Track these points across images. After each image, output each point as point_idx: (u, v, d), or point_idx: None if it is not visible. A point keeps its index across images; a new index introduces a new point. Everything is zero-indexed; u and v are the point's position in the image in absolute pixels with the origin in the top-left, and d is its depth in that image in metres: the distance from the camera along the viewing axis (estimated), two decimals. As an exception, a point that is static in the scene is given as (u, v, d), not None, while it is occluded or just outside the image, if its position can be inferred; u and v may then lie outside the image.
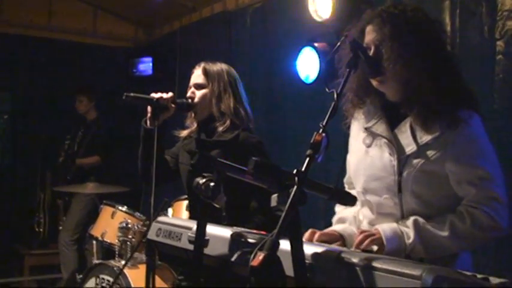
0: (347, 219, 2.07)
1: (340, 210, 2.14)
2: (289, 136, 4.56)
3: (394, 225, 1.83)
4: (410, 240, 1.78)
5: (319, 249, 1.47)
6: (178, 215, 3.86)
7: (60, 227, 5.72)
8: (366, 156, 1.95)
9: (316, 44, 3.67)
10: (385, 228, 1.81)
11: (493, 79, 3.15)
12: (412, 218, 1.81)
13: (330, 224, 2.14)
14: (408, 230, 1.79)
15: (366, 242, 1.76)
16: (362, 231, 1.83)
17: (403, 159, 1.85)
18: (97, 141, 5.67)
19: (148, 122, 2.69)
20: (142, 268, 3.75)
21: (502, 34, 3.11)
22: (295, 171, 1.43)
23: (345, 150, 2.10)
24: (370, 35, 1.89)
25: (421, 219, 1.81)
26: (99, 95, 6.00)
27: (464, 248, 1.86)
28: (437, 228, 1.79)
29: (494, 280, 1.44)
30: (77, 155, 5.71)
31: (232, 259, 1.62)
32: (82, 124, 5.83)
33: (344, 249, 1.67)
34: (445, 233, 1.77)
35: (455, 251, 1.84)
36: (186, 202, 3.83)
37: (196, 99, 2.74)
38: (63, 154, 5.82)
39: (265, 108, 4.63)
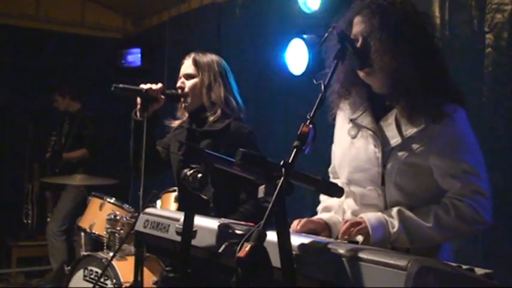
0: (333, 207, 2.08)
1: (325, 198, 2.14)
2: (277, 128, 4.56)
3: (379, 214, 1.84)
4: (395, 229, 1.78)
5: (306, 240, 1.48)
6: (167, 207, 3.86)
7: (48, 218, 5.70)
8: (350, 147, 1.95)
9: (305, 36, 3.66)
10: (370, 217, 1.82)
11: (482, 72, 3.16)
12: (396, 208, 1.83)
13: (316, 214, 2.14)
14: (393, 220, 1.80)
15: (353, 232, 1.77)
16: (347, 221, 1.84)
17: (387, 152, 1.86)
18: (84, 133, 5.61)
19: (138, 114, 2.67)
20: (131, 260, 3.74)
21: (492, 27, 3.12)
22: (282, 162, 1.43)
23: (331, 141, 2.11)
24: (358, 26, 1.89)
25: (405, 209, 1.82)
26: (86, 86, 5.96)
27: (448, 239, 1.88)
28: (422, 218, 1.80)
29: (479, 271, 1.46)
30: (65, 148, 5.66)
31: (220, 250, 1.62)
32: (66, 116, 5.76)
33: (331, 240, 1.68)
34: (429, 224, 1.79)
35: (439, 241, 1.86)
36: (174, 194, 3.82)
37: (186, 89, 2.73)
38: (50, 150, 5.76)
39: (253, 100, 4.61)
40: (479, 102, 3.04)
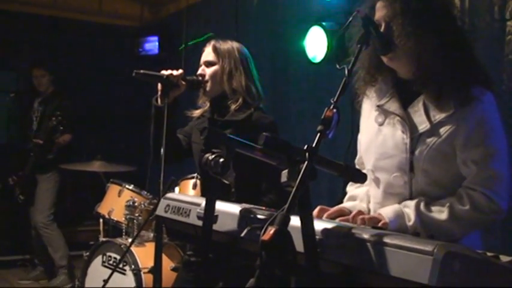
0: (358, 196, 2.07)
1: (351, 189, 2.13)
2: (295, 116, 4.56)
3: (396, 206, 1.82)
4: (411, 223, 1.77)
5: (329, 225, 1.47)
6: (185, 194, 3.88)
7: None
8: (378, 134, 1.93)
9: (324, 23, 3.64)
10: (388, 210, 1.81)
11: (502, 60, 3.13)
12: (414, 200, 1.81)
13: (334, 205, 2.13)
14: (409, 211, 1.79)
15: (367, 222, 1.75)
16: (359, 211, 1.83)
17: (415, 138, 1.83)
18: (65, 115, 5.21)
19: (158, 100, 2.68)
20: (149, 246, 3.78)
21: (513, 14, 3.08)
22: (305, 146, 1.42)
23: (351, 128, 2.09)
24: (380, 11, 1.86)
25: (423, 203, 1.80)
26: (104, 74, 5.97)
27: (465, 231, 1.84)
28: (437, 211, 1.78)
29: (505, 258, 1.44)
30: (38, 133, 5.33)
31: (242, 235, 1.61)
32: (39, 101, 5.53)
33: (354, 225, 1.67)
34: (444, 217, 1.77)
35: (457, 234, 1.82)
36: (192, 181, 3.84)
37: (206, 77, 2.72)
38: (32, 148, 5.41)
39: (272, 88, 4.60)
40: (499, 90, 3.01)
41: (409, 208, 1.80)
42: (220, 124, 2.68)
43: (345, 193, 2.17)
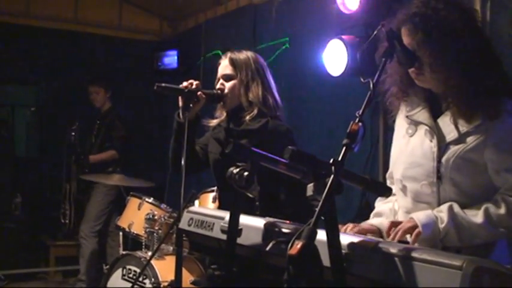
0: (383, 213, 2.07)
1: (378, 205, 2.13)
2: (313, 130, 4.55)
3: (428, 211, 1.82)
4: (444, 225, 1.76)
5: (355, 239, 1.47)
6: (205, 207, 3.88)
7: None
8: (407, 145, 1.95)
9: (344, 37, 3.64)
10: (420, 214, 1.81)
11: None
12: (447, 204, 1.81)
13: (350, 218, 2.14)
14: (442, 215, 1.79)
15: (400, 233, 1.74)
16: (392, 222, 1.82)
17: (443, 147, 1.85)
18: (114, 133, 5.59)
19: (181, 115, 2.69)
20: (169, 259, 3.78)
21: (534, 27, 3.06)
22: (331, 160, 1.43)
23: (370, 141, 2.10)
24: (405, 38, 1.87)
25: (456, 205, 1.80)
26: (123, 88, 6.02)
27: (499, 236, 1.84)
28: (472, 214, 1.78)
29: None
30: (94, 147, 5.65)
31: (267, 249, 1.61)
32: (97, 116, 5.75)
33: (381, 239, 1.66)
34: (479, 220, 1.76)
35: (490, 239, 1.82)
36: (212, 194, 3.84)
37: (226, 91, 2.73)
38: (73, 150, 5.70)
39: (290, 102, 4.60)
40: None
41: (441, 211, 1.80)
42: (236, 134, 2.68)
43: (363, 205, 2.17)
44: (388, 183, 2.13)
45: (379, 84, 1.75)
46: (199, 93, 2.66)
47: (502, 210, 1.77)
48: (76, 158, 5.65)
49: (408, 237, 1.77)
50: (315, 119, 4.56)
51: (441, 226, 1.77)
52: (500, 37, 3.23)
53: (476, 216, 1.77)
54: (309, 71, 4.44)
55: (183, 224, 2.02)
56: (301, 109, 4.67)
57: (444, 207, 1.80)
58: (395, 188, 2.00)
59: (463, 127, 1.83)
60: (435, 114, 1.92)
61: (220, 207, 2.95)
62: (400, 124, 2.04)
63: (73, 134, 5.76)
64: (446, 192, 1.84)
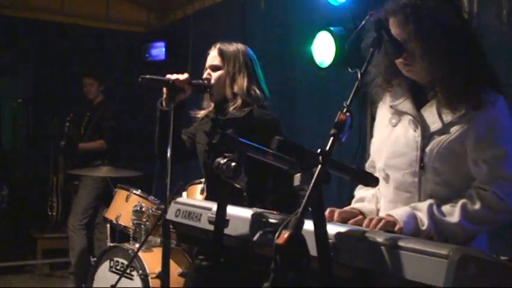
0: (365, 198, 2.08)
1: (359, 192, 2.14)
2: (302, 121, 4.55)
3: (408, 209, 1.82)
4: (424, 227, 1.77)
5: (342, 228, 1.47)
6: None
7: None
8: (390, 134, 1.96)
9: (332, 28, 3.64)
10: (399, 212, 1.81)
11: (510, 64, 3.12)
12: (426, 203, 1.81)
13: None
14: (422, 216, 1.79)
15: (382, 223, 1.75)
16: (378, 218, 1.83)
17: (427, 136, 1.85)
18: (103, 124, 5.59)
19: (164, 103, 2.68)
20: (157, 251, 3.78)
21: (522, 20, 3.08)
22: (319, 150, 1.42)
23: (359, 132, 2.10)
24: (393, 29, 1.87)
25: (435, 205, 1.80)
26: (111, 80, 5.99)
27: (477, 231, 1.85)
28: (449, 213, 1.79)
29: (517, 263, 1.44)
30: (83, 138, 5.64)
31: (254, 239, 1.61)
32: (88, 108, 5.74)
33: (367, 229, 1.66)
34: (456, 219, 1.77)
35: (470, 234, 1.83)
36: (200, 186, 3.84)
37: (212, 81, 2.73)
38: (65, 138, 5.71)
39: (278, 93, 4.60)
40: (507, 94, 3.00)
41: (421, 212, 1.80)
42: (221, 123, 2.67)
43: (352, 196, 2.17)
44: None
45: (367, 74, 1.75)
46: (184, 85, 2.65)
47: (477, 206, 1.78)
48: (66, 145, 5.63)
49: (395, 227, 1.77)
50: (304, 110, 4.56)
51: (422, 228, 1.77)
52: (488, 30, 3.24)
53: (453, 215, 1.78)
54: (298, 63, 4.44)
55: (170, 215, 2.01)
56: (291, 100, 4.67)
57: (424, 207, 1.80)
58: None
59: (447, 117, 1.83)
60: (419, 104, 1.92)
61: (207, 198, 2.94)
62: (383, 114, 2.04)
63: (67, 124, 5.73)
64: (428, 181, 1.85)
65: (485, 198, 1.78)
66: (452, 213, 1.78)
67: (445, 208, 1.80)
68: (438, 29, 1.83)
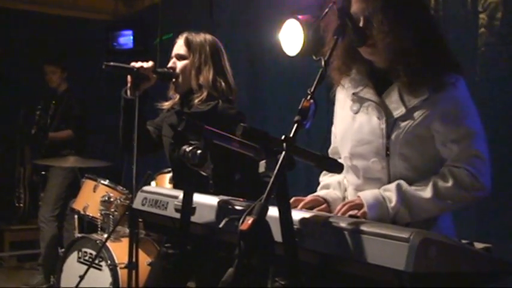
0: (331, 185, 2.08)
1: (324, 179, 2.14)
2: (271, 110, 4.56)
3: (376, 191, 1.83)
4: (393, 204, 1.78)
5: (306, 214, 1.48)
6: (161, 188, 3.86)
7: (40, 203, 5.64)
8: (353, 122, 1.95)
9: (299, 16, 3.65)
10: (367, 194, 1.82)
11: (475, 52, 3.17)
12: (395, 182, 1.82)
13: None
14: (390, 194, 1.79)
15: (346, 207, 1.77)
16: (345, 202, 1.84)
17: (391, 123, 1.85)
18: (70, 113, 5.47)
19: (128, 92, 2.66)
20: (125, 241, 3.75)
21: (485, 7, 3.12)
22: (283, 137, 1.43)
23: (327, 119, 2.09)
24: (358, 4, 1.86)
25: (404, 183, 1.81)
26: (78, 68, 5.91)
27: (448, 209, 1.87)
28: (420, 190, 1.80)
29: (479, 245, 1.47)
30: (50, 128, 5.52)
31: (220, 226, 1.61)
32: (53, 96, 5.60)
33: (332, 214, 1.68)
34: (428, 195, 1.78)
35: (439, 212, 1.85)
36: (169, 175, 3.82)
37: (177, 70, 2.71)
38: (35, 126, 5.60)
39: (247, 82, 4.61)
40: (472, 82, 3.05)
41: (390, 191, 1.80)
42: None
43: (319, 183, 2.18)
44: None
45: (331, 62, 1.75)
46: (149, 73, 2.63)
47: (450, 183, 1.79)
48: (36, 133, 5.52)
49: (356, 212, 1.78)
50: (273, 98, 4.56)
51: (390, 206, 1.78)
52: (452, 16, 3.29)
53: (425, 191, 1.79)
54: (267, 51, 4.43)
55: (136, 204, 2.00)
56: (259, 89, 4.67)
57: (392, 186, 1.81)
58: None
59: (410, 102, 1.84)
60: (379, 90, 1.92)
61: (174, 188, 2.94)
62: (342, 100, 2.03)
63: (38, 113, 5.62)
64: (396, 167, 1.86)
65: (458, 175, 1.79)
66: (425, 189, 1.79)
67: (417, 185, 1.81)
68: (401, 7, 1.83)
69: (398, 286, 1.23)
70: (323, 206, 1.94)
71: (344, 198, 2.04)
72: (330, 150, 2.17)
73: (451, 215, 1.98)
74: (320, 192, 2.06)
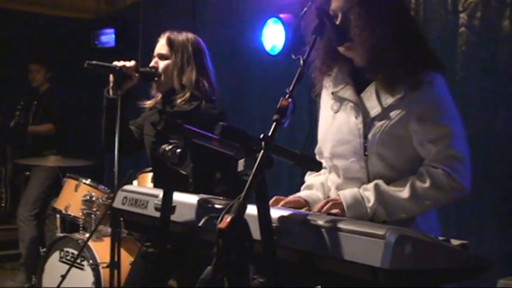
0: (314, 185, 2.09)
1: (309, 178, 2.15)
2: (253, 109, 4.57)
3: (355, 190, 1.84)
4: (371, 204, 1.79)
5: (285, 212, 1.49)
6: (144, 187, 3.85)
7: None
8: (333, 122, 1.96)
9: (281, 15, 3.66)
10: (346, 194, 1.83)
11: (455, 51, 3.20)
12: (373, 182, 1.83)
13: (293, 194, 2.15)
14: (369, 194, 1.81)
15: (327, 206, 1.78)
16: (326, 200, 1.85)
17: (368, 122, 1.86)
18: (50, 110, 5.41)
19: (110, 91, 2.64)
20: (107, 241, 3.73)
21: (465, 7, 3.15)
22: (262, 135, 1.44)
23: (310, 117, 2.12)
24: (337, 1, 1.88)
25: (382, 183, 1.82)
26: (60, 68, 5.86)
27: (425, 209, 1.87)
28: (398, 190, 1.80)
29: (455, 242, 1.49)
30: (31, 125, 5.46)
31: (199, 224, 1.62)
32: (35, 96, 5.55)
33: (310, 212, 1.69)
34: (406, 195, 1.79)
35: (417, 212, 1.85)
36: (151, 174, 3.81)
37: (159, 70, 2.70)
38: (14, 121, 5.54)
39: (229, 80, 4.61)
40: (452, 81, 3.08)
41: (369, 190, 1.82)
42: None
43: (303, 182, 2.19)
44: (317, 157, 2.13)
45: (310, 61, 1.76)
46: (131, 72, 2.62)
47: (427, 184, 1.79)
48: (14, 129, 5.47)
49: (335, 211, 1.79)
50: (254, 97, 4.57)
51: (368, 205, 1.79)
52: (433, 15, 3.32)
53: (403, 191, 1.80)
54: (249, 50, 4.44)
55: (117, 203, 2.00)
56: (242, 88, 4.68)
57: (370, 185, 1.82)
58: (325, 165, 2.03)
59: (386, 100, 1.84)
60: (359, 89, 1.93)
61: (155, 187, 2.93)
62: (325, 100, 2.04)
63: (18, 112, 5.54)
64: (374, 166, 1.86)
65: (435, 176, 1.79)
66: (403, 189, 1.80)
67: (395, 185, 1.82)
68: (380, 4, 1.84)
69: (375, 282, 1.25)
70: (304, 208, 1.95)
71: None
72: (316, 150, 2.17)
73: (436, 215, 1.99)
74: (302, 193, 2.07)
